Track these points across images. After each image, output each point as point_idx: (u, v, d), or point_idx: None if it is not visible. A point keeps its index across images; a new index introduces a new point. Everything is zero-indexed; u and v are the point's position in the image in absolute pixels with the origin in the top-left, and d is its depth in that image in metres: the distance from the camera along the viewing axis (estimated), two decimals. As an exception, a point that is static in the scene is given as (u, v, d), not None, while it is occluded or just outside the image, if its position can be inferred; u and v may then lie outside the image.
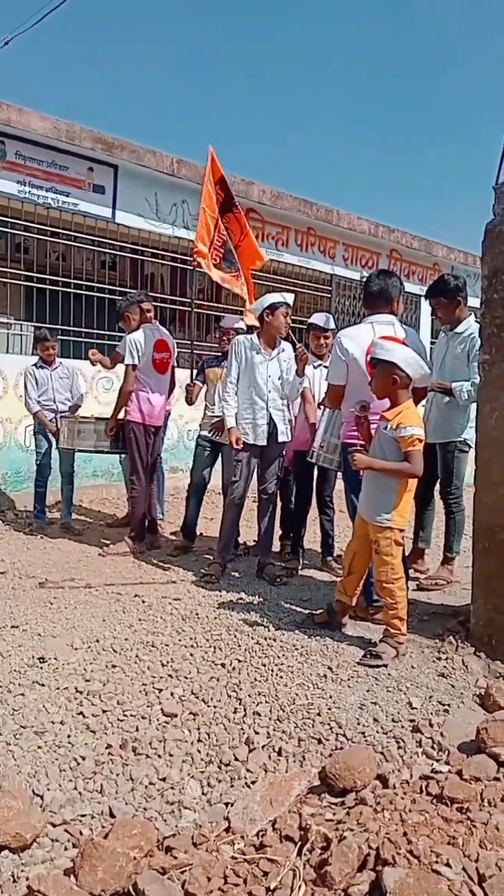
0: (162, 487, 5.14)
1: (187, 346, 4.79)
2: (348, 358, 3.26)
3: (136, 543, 4.47)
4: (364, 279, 3.45)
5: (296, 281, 7.89)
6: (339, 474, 3.84)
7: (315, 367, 4.21)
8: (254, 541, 4.66)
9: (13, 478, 5.66)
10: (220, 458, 4.52)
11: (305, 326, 4.43)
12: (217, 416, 4.36)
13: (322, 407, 4.14)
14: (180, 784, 2.12)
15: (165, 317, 5.39)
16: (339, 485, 3.87)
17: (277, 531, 4.59)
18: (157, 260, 6.91)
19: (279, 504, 4.43)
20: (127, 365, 4.38)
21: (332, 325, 4.33)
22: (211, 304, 7.48)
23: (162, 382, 4.50)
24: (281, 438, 4.07)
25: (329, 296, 8.40)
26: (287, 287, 7.58)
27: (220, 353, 4.52)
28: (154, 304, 4.74)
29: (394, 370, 2.92)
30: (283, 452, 4.15)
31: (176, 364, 4.69)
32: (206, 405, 4.55)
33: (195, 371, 4.56)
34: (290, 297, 4.04)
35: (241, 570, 4.24)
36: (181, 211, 6.81)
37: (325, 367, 4.13)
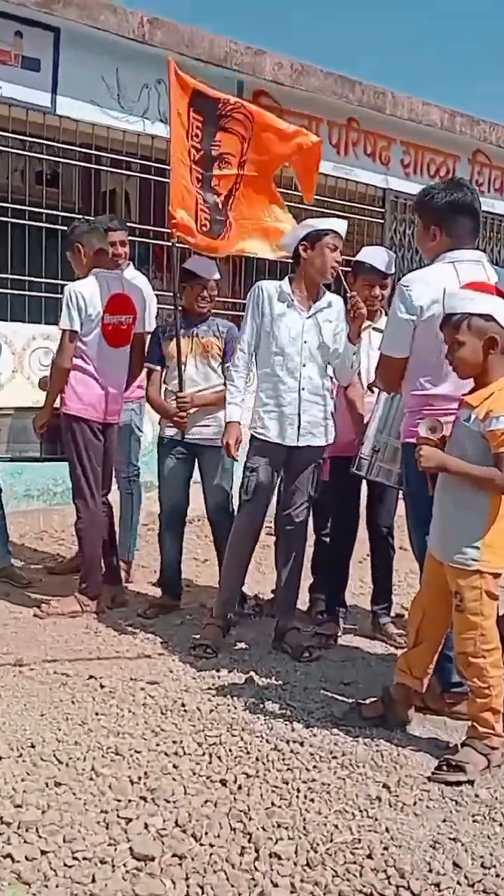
0: (133, 514, 5.14)
1: (170, 300, 4.69)
2: (420, 316, 3.29)
3: (90, 599, 4.49)
4: (433, 194, 3.44)
5: (330, 200, 7.85)
6: (401, 494, 3.89)
7: (363, 332, 4.22)
8: (271, 593, 4.69)
9: None
10: (194, 468, 4.55)
11: (350, 268, 4.54)
12: (181, 396, 4.34)
13: (373, 391, 4.19)
14: None
15: (134, 255, 5.36)
16: (402, 508, 3.86)
17: (306, 579, 4.60)
18: (119, 170, 6.82)
19: (310, 538, 4.43)
20: (63, 330, 4.38)
21: (392, 269, 4.40)
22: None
23: (116, 359, 4.50)
24: (317, 441, 4.09)
25: (381, 221, 8.44)
26: (317, 211, 7.65)
27: (187, 316, 4.48)
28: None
29: (487, 331, 2.95)
30: (320, 461, 4.17)
31: (153, 330, 4.68)
32: (165, 388, 4.56)
33: (152, 359, 4.54)
34: (341, 225, 4.09)
35: (249, 637, 4.27)
36: (155, 96, 6.66)
37: (378, 330, 4.19)
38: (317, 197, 8.45)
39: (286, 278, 4.16)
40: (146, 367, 4.57)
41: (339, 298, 4.19)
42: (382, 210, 8.46)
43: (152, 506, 5.17)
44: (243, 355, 4.09)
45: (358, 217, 8.23)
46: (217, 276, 4.55)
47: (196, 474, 4.60)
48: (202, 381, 4.47)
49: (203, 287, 4.46)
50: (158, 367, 4.54)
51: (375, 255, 4.40)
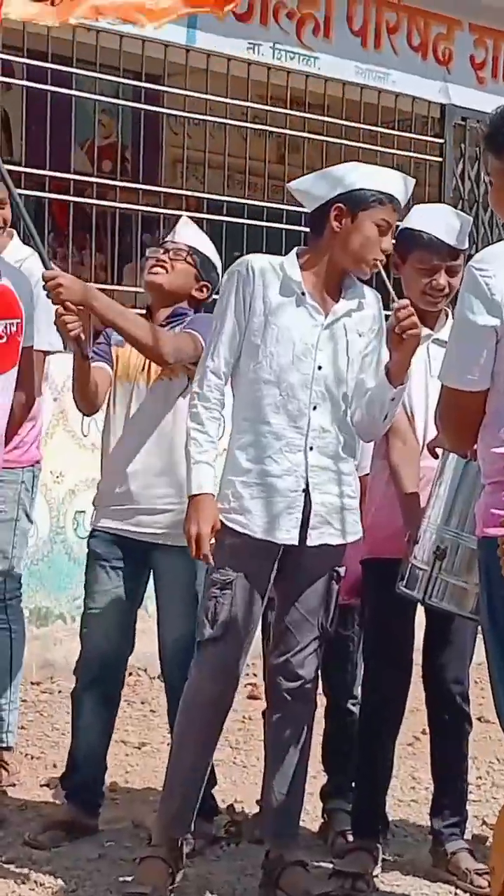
0: (13, 663, 5.14)
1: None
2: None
3: None
4: None
5: (352, 125, 8.29)
6: (481, 629, 3.81)
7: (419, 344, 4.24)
8: (256, 804, 4.72)
9: None
10: (147, 583, 4.67)
11: (393, 241, 4.53)
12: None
13: (435, 454, 4.23)
14: None
15: (18, 221, 5.38)
16: (482, 653, 3.81)
17: (316, 776, 4.64)
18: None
19: (322, 706, 4.47)
20: None
21: (466, 243, 4.45)
22: (143, 185, 7.85)
23: None
24: (334, 538, 4.14)
25: (438, 159, 8.78)
26: (321, 142, 7.90)
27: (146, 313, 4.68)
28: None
29: None
30: (339, 571, 4.21)
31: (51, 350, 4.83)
32: (104, 435, 4.67)
33: (93, 352, 4.66)
34: (403, 187, 4.21)
35: (221, 881, 4.26)
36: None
37: (443, 343, 4.21)
38: (330, 120, 8.76)
39: (292, 253, 4.17)
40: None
41: (375, 295, 4.20)
42: (441, 141, 8.73)
43: (50, 650, 5.09)
44: (214, 379, 4.08)
45: (400, 153, 8.53)
46: (190, 237, 4.70)
47: (148, 596, 4.62)
48: (164, 427, 4.49)
49: (164, 251, 4.64)
50: (108, 368, 4.62)
51: (437, 219, 4.42)
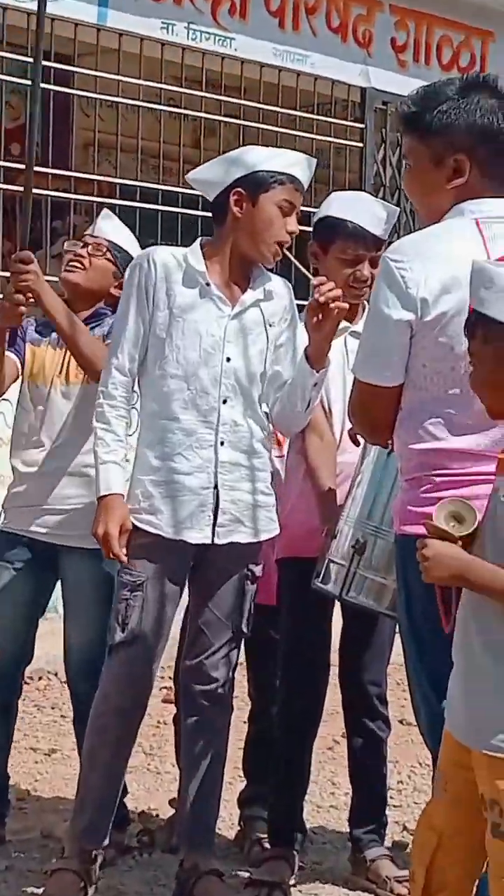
0: None
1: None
2: (423, 315, 3.30)
3: None
4: (449, 99, 3.44)
5: (270, 109, 8.49)
6: (399, 627, 3.82)
7: (334, 340, 4.24)
8: (170, 805, 4.77)
9: None
10: (53, 589, 4.66)
11: (312, 229, 4.59)
12: (34, 467, 4.47)
13: (357, 444, 4.22)
14: None
15: None
16: (397, 655, 3.85)
17: (233, 781, 4.71)
18: None
19: (238, 709, 4.45)
20: None
21: (381, 231, 4.47)
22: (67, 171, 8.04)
23: None
24: (246, 535, 4.16)
25: (359, 145, 8.99)
26: (244, 127, 8.01)
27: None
28: None
29: None
30: (254, 570, 4.22)
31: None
32: (14, 434, 4.69)
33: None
34: (305, 167, 4.23)
35: (132, 892, 4.26)
36: None
37: (358, 335, 4.14)
38: (247, 104, 8.88)
39: (196, 243, 4.19)
40: None
41: (285, 284, 4.22)
42: (361, 126, 8.94)
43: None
44: (120, 376, 4.09)
45: (320, 138, 8.74)
46: (110, 231, 4.68)
47: (55, 599, 4.61)
48: (80, 429, 4.43)
49: (82, 245, 4.60)
50: (16, 360, 4.59)
51: (361, 208, 4.44)
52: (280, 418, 4.17)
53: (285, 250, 4.17)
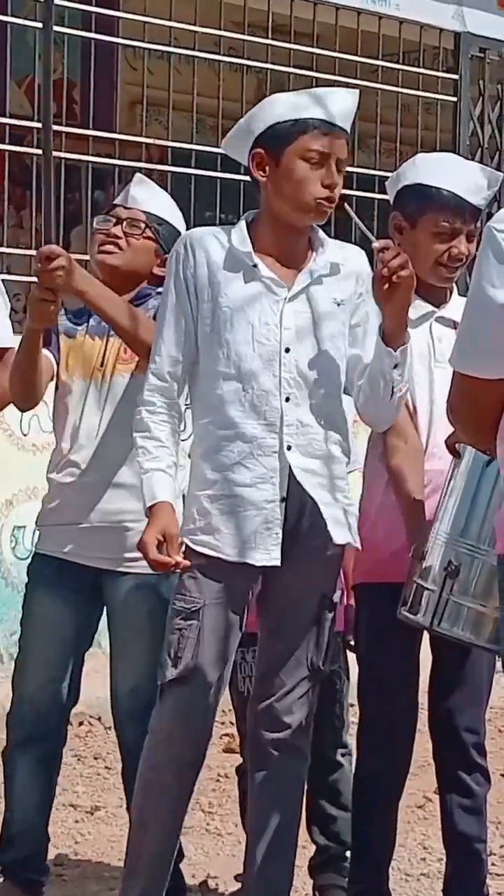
0: None
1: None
2: None
3: None
4: None
5: (349, 58, 8.52)
6: (501, 663, 3.92)
7: (417, 327, 4.30)
8: (235, 880, 4.76)
9: None
10: (100, 620, 4.68)
11: (394, 197, 4.57)
12: (68, 474, 4.49)
13: (452, 450, 4.22)
14: None
15: None
16: (499, 698, 3.91)
17: (307, 846, 4.66)
18: None
19: (313, 768, 4.43)
20: None
21: (480, 200, 4.45)
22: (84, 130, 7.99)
23: None
24: (318, 551, 4.14)
25: (453, 99, 9.07)
26: (327, 77, 7.95)
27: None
28: None
29: None
30: (331, 597, 4.24)
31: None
32: (59, 445, 4.68)
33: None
34: (339, 102, 4.18)
35: None
36: None
37: (446, 322, 4.35)
38: (321, 52, 8.87)
39: (241, 220, 4.20)
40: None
41: (358, 252, 4.22)
42: (455, 77, 8.98)
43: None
44: (157, 381, 4.12)
45: (407, 92, 8.78)
46: (147, 200, 4.69)
47: (98, 633, 4.63)
48: (125, 431, 4.41)
49: (116, 222, 4.59)
50: (52, 359, 4.61)
51: (458, 173, 4.43)
52: (366, 409, 4.16)
53: (346, 206, 4.18)
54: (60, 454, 4.62)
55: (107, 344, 4.55)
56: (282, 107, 4.10)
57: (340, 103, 4.11)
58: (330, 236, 4.20)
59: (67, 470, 4.56)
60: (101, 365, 4.56)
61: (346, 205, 4.12)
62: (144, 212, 4.65)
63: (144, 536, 4.00)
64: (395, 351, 3.99)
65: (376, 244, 3.96)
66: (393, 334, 3.98)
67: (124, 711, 4.52)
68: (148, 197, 4.78)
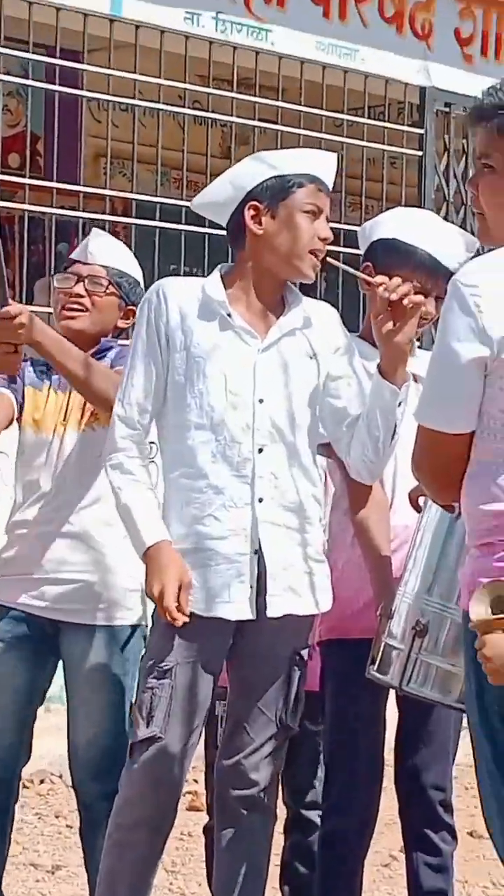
0: None
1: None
2: (498, 349, 3.30)
3: None
4: None
5: (317, 112, 8.59)
6: (467, 721, 3.77)
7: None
8: None
9: None
10: (54, 674, 4.69)
11: (361, 255, 4.60)
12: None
13: (421, 508, 4.24)
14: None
15: None
16: (465, 755, 3.86)
17: None
18: None
19: (278, 821, 4.43)
20: None
21: (456, 265, 4.32)
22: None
23: None
24: (297, 607, 4.15)
25: (418, 153, 9.09)
26: (291, 131, 8.07)
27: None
28: None
29: None
30: (302, 654, 4.25)
31: None
32: (16, 492, 4.69)
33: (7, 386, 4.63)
34: (326, 164, 4.28)
35: None
36: None
37: (415, 378, 4.26)
38: (286, 106, 8.92)
39: (215, 271, 4.23)
40: None
41: (328, 307, 4.30)
42: (420, 131, 9.02)
43: None
44: (126, 429, 4.11)
45: (371, 146, 8.86)
46: (106, 254, 4.69)
47: (61, 689, 4.60)
48: (81, 481, 4.48)
49: (76, 280, 4.57)
50: (11, 397, 4.58)
51: (436, 236, 4.46)
52: (361, 457, 4.11)
53: (329, 258, 4.21)
54: (17, 505, 4.63)
55: (69, 399, 4.55)
56: (275, 162, 4.17)
57: (327, 163, 4.20)
58: (319, 293, 4.23)
59: (23, 521, 4.57)
60: (63, 420, 4.57)
61: (327, 257, 4.17)
62: (104, 266, 4.66)
63: (165, 583, 3.93)
64: (398, 387, 4.00)
65: (377, 279, 4.03)
66: (393, 370, 4.01)
67: (82, 766, 4.54)
68: (106, 250, 4.80)
